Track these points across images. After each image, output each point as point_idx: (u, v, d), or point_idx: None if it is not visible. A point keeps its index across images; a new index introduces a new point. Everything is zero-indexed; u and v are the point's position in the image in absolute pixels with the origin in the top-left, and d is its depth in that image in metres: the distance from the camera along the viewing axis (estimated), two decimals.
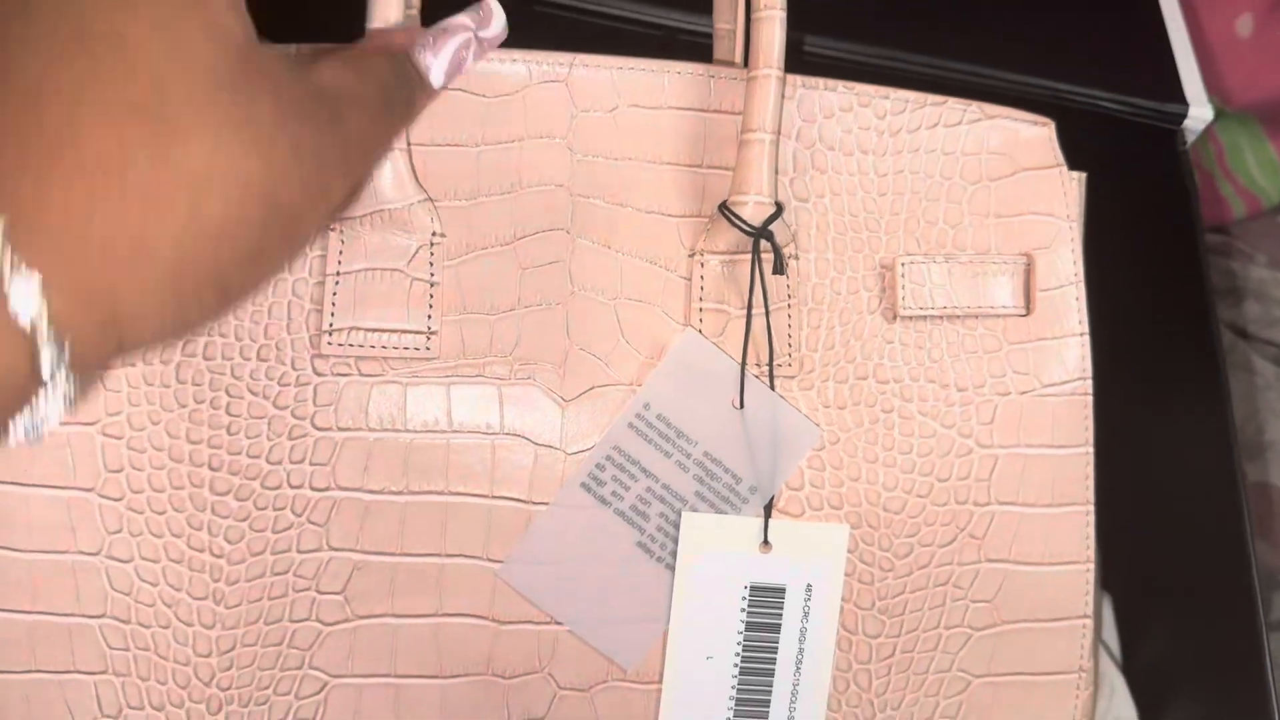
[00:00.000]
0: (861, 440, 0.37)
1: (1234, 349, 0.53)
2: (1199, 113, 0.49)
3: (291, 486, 0.35)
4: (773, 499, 0.36)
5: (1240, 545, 0.43)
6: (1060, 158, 0.39)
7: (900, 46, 0.48)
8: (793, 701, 0.37)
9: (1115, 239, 0.42)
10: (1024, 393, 0.38)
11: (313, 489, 0.35)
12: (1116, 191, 0.42)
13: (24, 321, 0.21)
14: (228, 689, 0.36)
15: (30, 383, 0.22)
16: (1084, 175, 0.39)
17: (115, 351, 0.24)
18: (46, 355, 0.22)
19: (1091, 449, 0.38)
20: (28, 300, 0.21)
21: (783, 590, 0.37)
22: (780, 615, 0.37)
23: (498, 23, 0.35)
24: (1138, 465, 0.47)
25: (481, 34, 0.35)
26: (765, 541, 0.36)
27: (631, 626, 0.36)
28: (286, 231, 0.26)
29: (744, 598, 0.36)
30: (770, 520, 0.36)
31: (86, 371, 0.23)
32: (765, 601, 0.37)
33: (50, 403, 0.22)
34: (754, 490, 0.36)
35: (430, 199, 0.36)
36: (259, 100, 0.25)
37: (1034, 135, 0.39)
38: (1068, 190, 0.39)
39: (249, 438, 0.35)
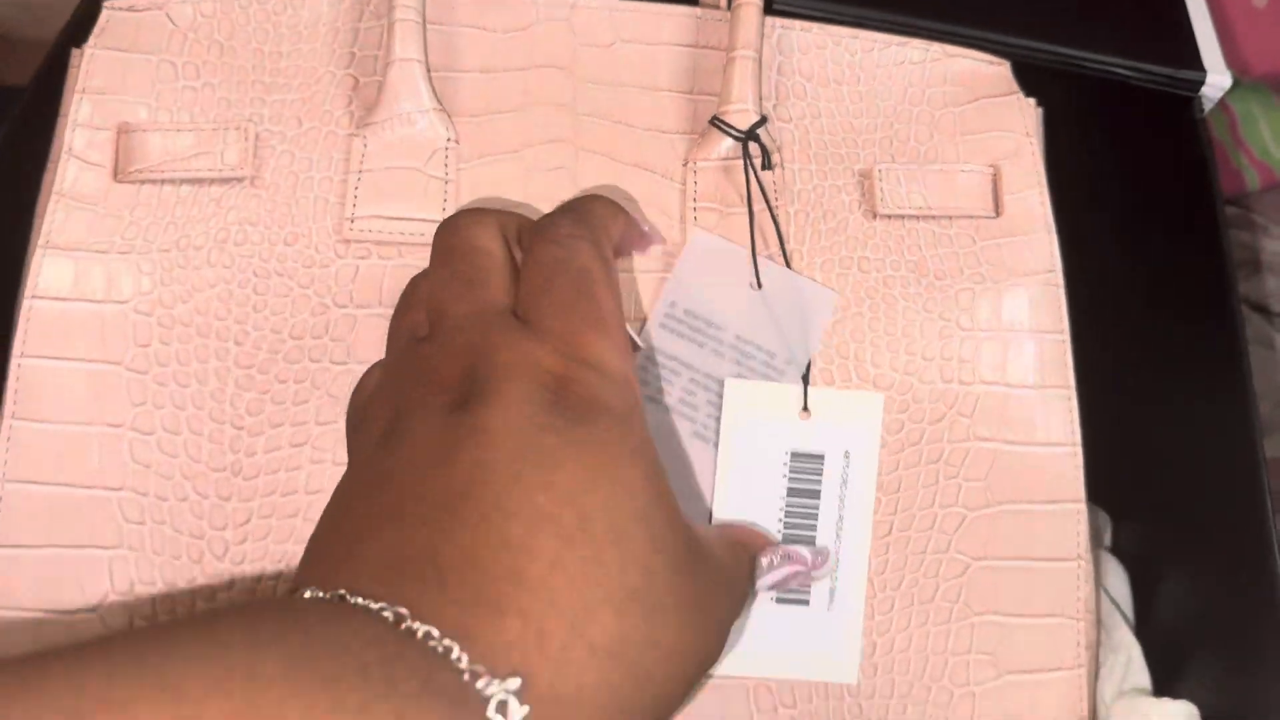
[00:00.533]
0: (849, 320, 0.39)
1: (1250, 322, 0.51)
2: (1217, 80, 0.47)
3: (311, 360, 0.37)
4: (809, 366, 0.38)
5: (1261, 520, 0.44)
6: (1016, 88, 0.43)
7: (906, 10, 0.46)
8: (835, 568, 0.37)
9: (1131, 208, 0.45)
10: (998, 281, 0.40)
11: (331, 362, 0.37)
12: (1132, 161, 0.44)
13: None
14: (240, 563, 0.37)
15: None
16: (1037, 103, 0.43)
17: None
18: None
19: (1068, 336, 0.40)
20: None
21: (822, 457, 0.38)
22: (820, 481, 0.38)
23: (828, 568, 0.37)
24: (1156, 440, 0.47)
25: (814, 574, 0.36)
26: (805, 408, 0.38)
27: (700, 508, 0.38)
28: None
29: (785, 464, 0.38)
30: (809, 388, 0.38)
31: None
32: (806, 468, 0.38)
33: None
34: (789, 362, 0.38)
35: (444, 109, 0.40)
36: (700, 577, 0.27)
37: (992, 72, 0.43)
38: (1025, 113, 0.42)
39: (273, 314, 0.38)
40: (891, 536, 0.39)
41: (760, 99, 0.40)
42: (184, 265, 0.38)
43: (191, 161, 0.39)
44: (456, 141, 0.40)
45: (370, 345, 0.38)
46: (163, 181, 0.39)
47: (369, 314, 0.38)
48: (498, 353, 0.27)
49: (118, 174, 0.39)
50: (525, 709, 0.22)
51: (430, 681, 0.21)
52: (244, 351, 0.37)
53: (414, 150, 0.39)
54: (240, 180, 0.39)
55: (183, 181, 0.39)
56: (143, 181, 0.39)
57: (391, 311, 0.37)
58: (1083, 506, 0.40)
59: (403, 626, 0.22)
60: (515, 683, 0.22)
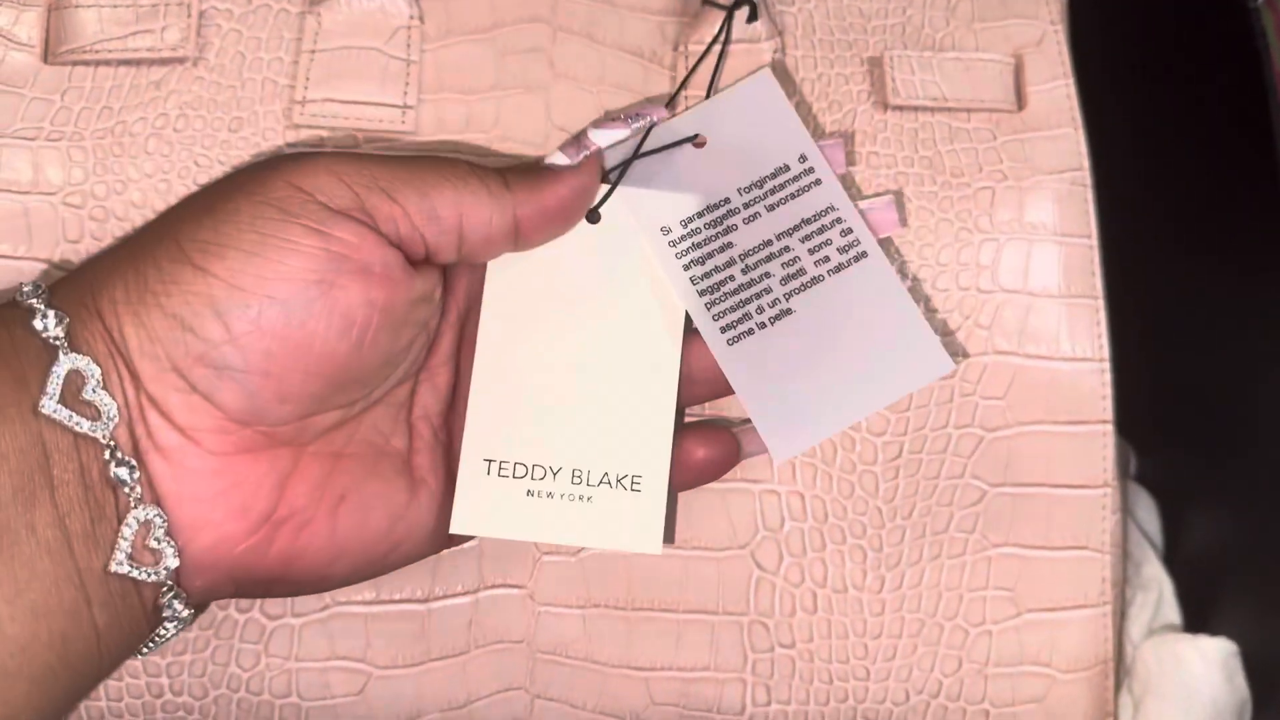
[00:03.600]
0: None
1: None
2: None
3: None
4: None
5: None
6: None
7: None
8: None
9: (1169, 105, 0.41)
10: (1020, 180, 0.36)
11: None
12: (1170, 53, 0.40)
13: None
14: None
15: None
16: None
17: None
18: None
19: (1096, 241, 0.36)
20: None
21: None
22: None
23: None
24: (1186, 362, 0.43)
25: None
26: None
27: None
28: None
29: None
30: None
31: None
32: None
33: None
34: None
35: None
36: None
37: None
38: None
39: None
40: (901, 460, 0.35)
41: None
42: (119, 154, 0.34)
43: (129, 40, 0.35)
44: (420, 19, 0.36)
45: None
46: (97, 63, 0.35)
47: None
48: None
49: (48, 55, 0.35)
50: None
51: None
52: None
53: (373, 28, 0.35)
54: (182, 61, 0.35)
55: (119, 63, 0.35)
56: (75, 63, 0.35)
57: None
58: (1110, 428, 0.36)
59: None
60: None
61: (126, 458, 0.28)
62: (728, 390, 0.34)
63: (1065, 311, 0.36)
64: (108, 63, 0.35)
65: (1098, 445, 0.36)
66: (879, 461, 0.35)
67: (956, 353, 0.35)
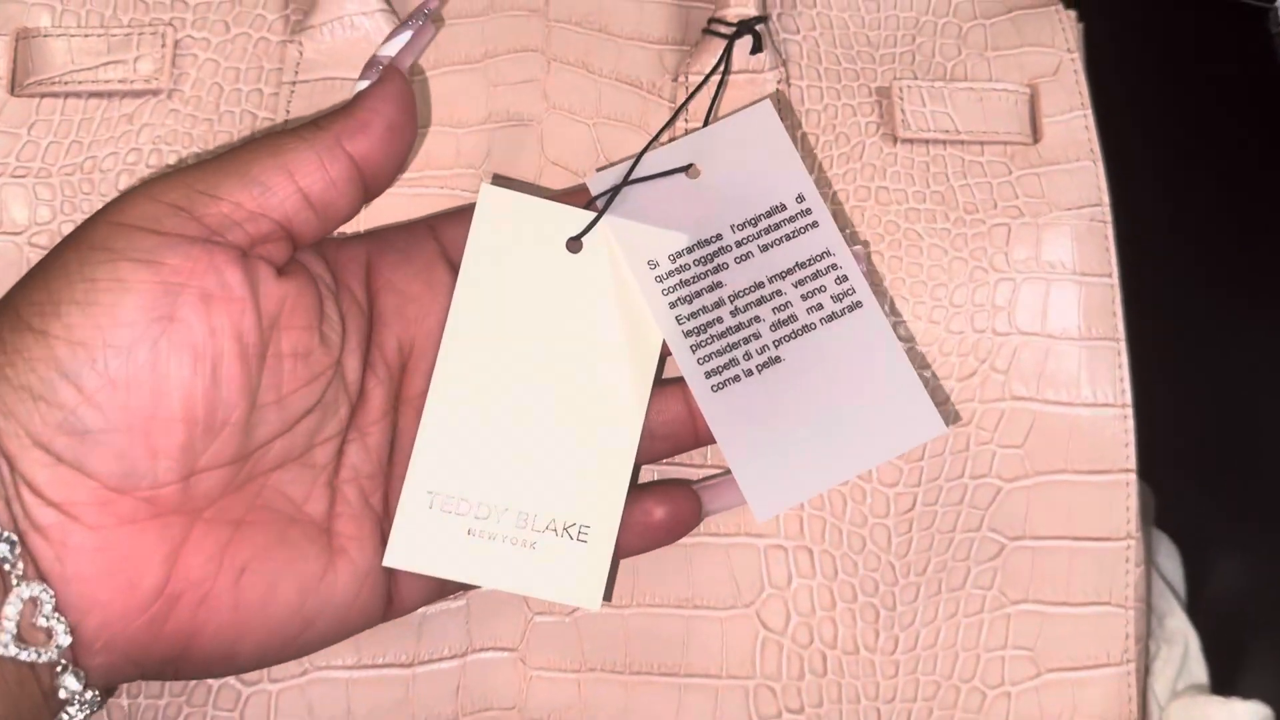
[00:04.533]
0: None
1: None
2: None
3: None
4: None
5: None
6: None
7: None
8: None
9: (1190, 136, 0.39)
10: (1038, 216, 0.35)
11: None
12: (1191, 82, 0.39)
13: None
14: None
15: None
16: (1079, 16, 0.37)
17: None
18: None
19: (1117, 280, 0.35)
20: None
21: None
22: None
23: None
24: (1208, 405, 0.42)
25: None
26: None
27: None
28: None
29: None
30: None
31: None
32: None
33: None
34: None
35: (393, 11, 0.34)
36: None
37: None
38: (1066, 26, 0.37)
39: None
40: (915, 512, 0.33)
41: (764, 2, 0.35)
42: (89, 191, 0.33)
43: (100, 71, 0.33)
44: None
45: None
46: (66, 94, 0.33)
47: None
48: None
49: (15, 86, 0.33)
50: None
51: None
52: None
53: (357, 58, 0.34)
54: (156, 93, 0.33)
55: (90, 94, 0.33)
56: (43, 95, 0.33)
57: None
58: (1132, 478, 0.34)
59: None
60: None
61: (7, 534, 0.26)
62: (690, 446, 0.32)
63: (1085, 354, 0.34)
64: (78, 94, 0.33)
65: (1120, 495, 0.34)
66: (891, 514, 0.33)
67: (971, 397, 0.34)
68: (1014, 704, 0.34)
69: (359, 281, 0.30)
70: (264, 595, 0.28)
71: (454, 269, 0.31)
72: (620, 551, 0.32)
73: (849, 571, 0.33)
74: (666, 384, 0.32)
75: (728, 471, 0.32)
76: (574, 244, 0.31)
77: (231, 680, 0.32)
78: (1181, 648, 0.36)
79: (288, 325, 0.28)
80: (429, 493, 0.30)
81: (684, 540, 0.33)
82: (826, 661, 0.33)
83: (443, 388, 0.31)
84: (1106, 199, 0.35)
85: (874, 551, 0.33)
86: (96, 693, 0.27)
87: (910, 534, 0.33)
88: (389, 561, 0.30)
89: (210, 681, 0.32)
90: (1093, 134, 0.36)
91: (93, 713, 0.28)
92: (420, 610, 0.33)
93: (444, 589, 0.31)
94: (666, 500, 0.32)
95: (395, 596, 0.31)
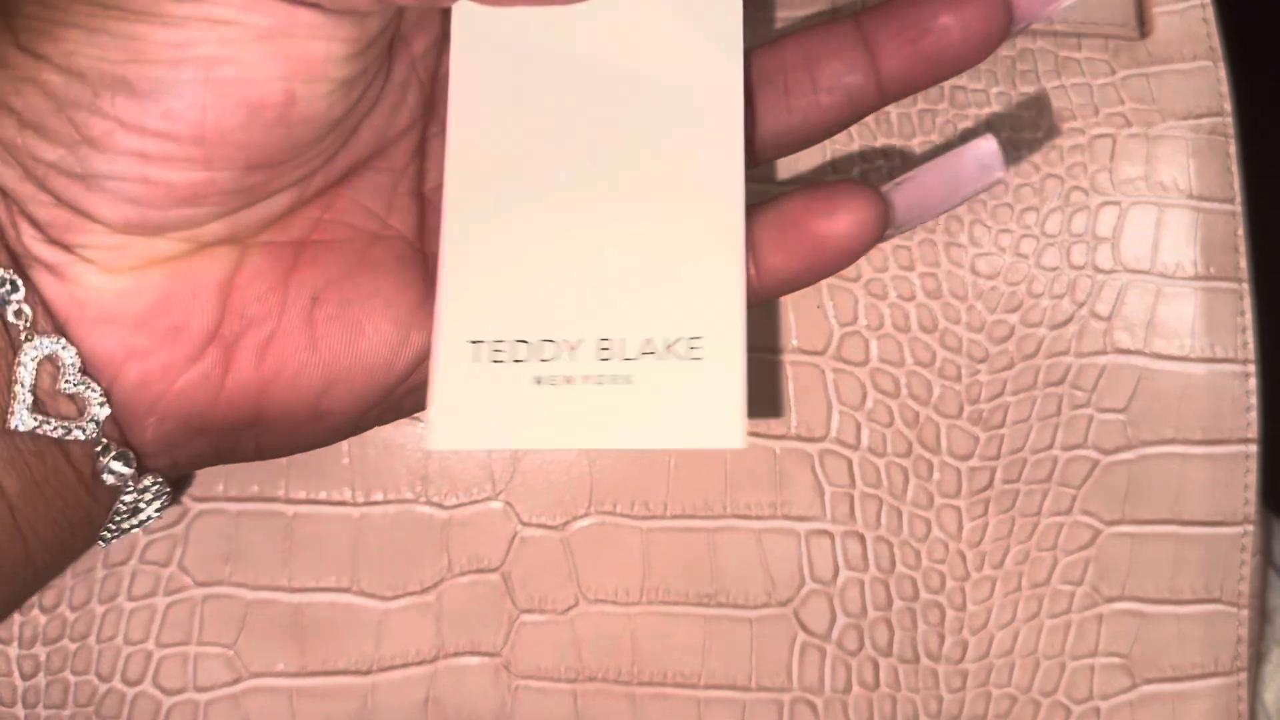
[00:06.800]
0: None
1: None
2: None
3: None
4: None
5: None
6: None
7: None
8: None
9: None
10: (1148, 126, 0.28)
11: None
12: None
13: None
14: None
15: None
16: None
17: None
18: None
19: (1241, 208, 0.28)
20: None
21: None
22: None
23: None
24: None
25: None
26: None
27: None
28: None
29: None
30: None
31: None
32: None
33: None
34: None
35: None
36: None
37: None
38: None
39: None
40: (992, 492, 0.27)
41: None
42: None
43: None
44: None
45: None
46: None
47: None
48: None
49: None
50: None
51: None
52: None
53: None
54: None
55: None
56: None
57: None
58: (1254, 450, 0.29)
59: None
60: None
61: (8, 275, 0.21)
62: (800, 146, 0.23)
63: (1202, 299, 0.28)
64: None
65: (1239, 471, 0.28)
66: (963, 494, 0.27)
67: (1065, 350, 0.27)
68: None
69: None
70: (349, 329, 0.23)
71: None
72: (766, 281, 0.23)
73: (909, 564, 0.27)
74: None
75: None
76: None
77: (148, 687, 0.27)
78: None
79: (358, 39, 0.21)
80: (471, 343, 0.22)
81: (706, 524, 0.27)
82: (879, 672, 0.27)
83: (462, 196, 0.22)
84: (1229, 106, 0.29)
85: (940, 539, 0.27)
86: (159, 480, 0.23)
87: (985, 518, 0.27)
88: (435, 444, 0.22)
89: (124, 688, 0.27)
90: (1212, 26, 0.29)
91: (162, 506, 0.23)
92: (380, 606, 0.27)
93: None
94: (831, 203, 0.22)
95: None
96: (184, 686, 0.27)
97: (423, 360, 0.23)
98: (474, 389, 0.22)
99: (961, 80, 0.28)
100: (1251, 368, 0.28)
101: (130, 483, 0.22)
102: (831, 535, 0.27)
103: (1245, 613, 0.29)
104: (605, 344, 0.22)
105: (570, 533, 0.27)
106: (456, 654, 0.27)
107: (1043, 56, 0.29)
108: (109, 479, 0.22)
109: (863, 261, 0.27)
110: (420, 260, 0.23)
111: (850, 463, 0.27)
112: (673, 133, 0.22)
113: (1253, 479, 0.28)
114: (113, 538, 0.23)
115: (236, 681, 0.27)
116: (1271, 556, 0.33)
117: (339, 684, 0.27)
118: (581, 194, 0.22)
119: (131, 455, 0.22)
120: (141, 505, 0.23)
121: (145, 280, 0.22)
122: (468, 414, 0.22)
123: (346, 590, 0.27)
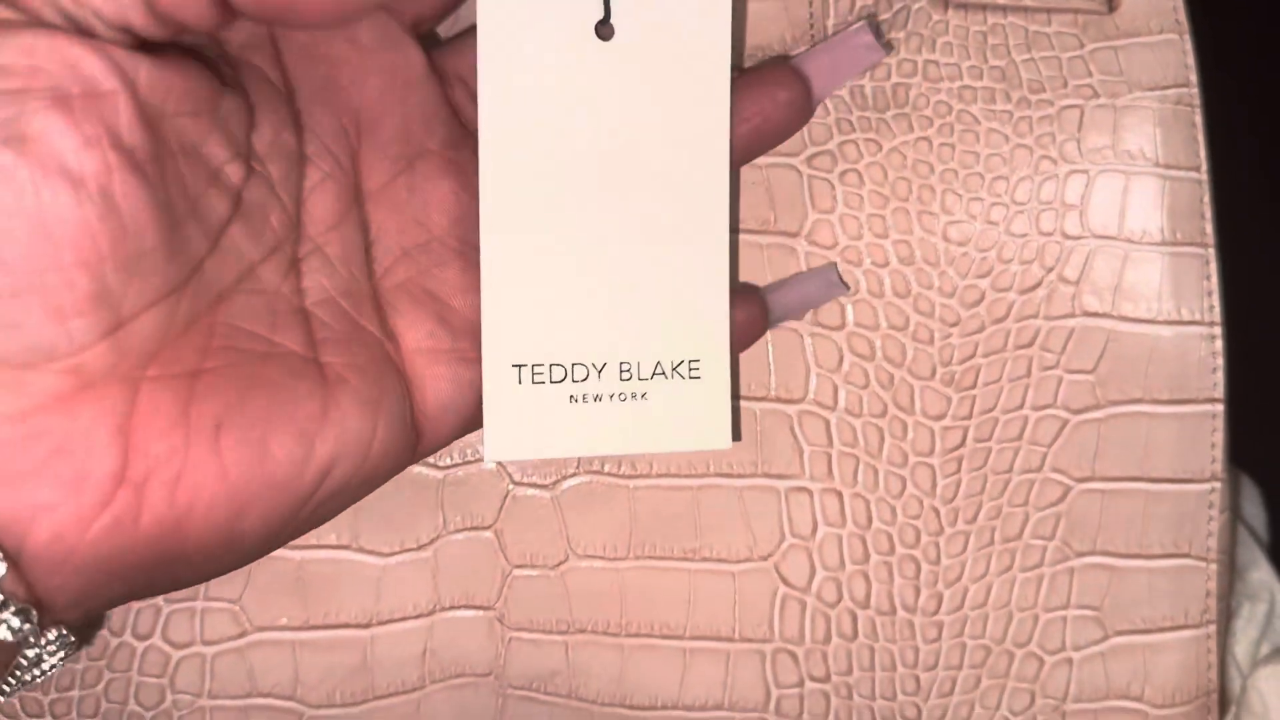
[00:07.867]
0: (910, 152, 0.28)
1: None
2: None
3: None
4: None
5: None
6: None
7: None
8: None
9: None
10: (1115, 98, 0.29)
11: None
12: None
13: None
14: None
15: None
16: None
17: None
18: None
19: (1206, 176, 0.29)
20: None
21: None
22: None
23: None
24: None
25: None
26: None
27: None
28: None
29: None
30: None
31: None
32: None
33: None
34: None
35: None
36: None
37: None
38: None
39: None
40: (965, 450, 0.28)
41: None
42: None
43: None
44: None
45: None
46: None
47: None
48: None
49: None
50: None
51: None
52: None
53: None
54: None
55: None
56: None
57: None
58: (1220, 409, 0.29)
59: None
60: None
61: None
62: None
63: (1169, 263, 0.29)
64: None
65: (1205, 430, 0.29)
66: (937, 452, 0.28)
67: (1035, 314, 0.28)
68: (1076, 671, 0.29)
69: (265, 55, 0.24)
70: (255, 451, 0.23)
71: (389, 15, 0.24)
72: None
73: (886, 519, 0.28)
74: None
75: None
76: (603, 27, 0.25)
77: (158, 641, 0.28)
78: (1267, 604, 0.31)
79: (174, 112, 0.21)
80: (514, 366, 0.25)
81: (690, 482, 0.28)
82: (857, 623, 0.28)
83: (495, 238, 0.25)
84: (1195, 78, 0.29)
85: (915, 495, 0.28)
86: (64, 631, 0.22)
87: (959, 475, 0.28)
88: (493, 455, 0.25)
89: (134, 642, 0.28)
90: (1179, 4, 0.30)
91: (67, 654, 0.22)
92: (379, 562, 0.28)
93: (477, 419, 0.26)
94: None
95: (422, 428, 0.25)
96: (191, 640, 0.28)
97: (330, 472, 0.23)
98: (520, 406, 0.25)
99: (934, 55, 0.29)
100: (1218, 330, 0.29)
101: (32, 639, 0.21)
102: (810, 492, 0.28)
103: (1214, 567, 0.29)
104: (626, 366, 0.26)
105: (560, 491, 0.28)
106: (452, 607, 0.28)
107: (1013, 31, 0.29)
108: (6, 636, 0.21)
109: (838, 229, 0.28)
110: (315, 371, 0.24)
111: (828, 423, 0.28)
112: (673, 192, 0.26)
113: (1219, 438, 0.29)
114: (13, 692, 0.23)
115: (242, 635, 0.28)
116: (1240, 513, 0.33)
117: (340, 637, 0.28)
118: (599, 240, 0.25)
119: (33, 611, 0.21)
120: (45, 656, 0.22)
121: (41, 427, 0.21)
122: (517, 429, 0.25)
123: (347, 547, 0.28)
